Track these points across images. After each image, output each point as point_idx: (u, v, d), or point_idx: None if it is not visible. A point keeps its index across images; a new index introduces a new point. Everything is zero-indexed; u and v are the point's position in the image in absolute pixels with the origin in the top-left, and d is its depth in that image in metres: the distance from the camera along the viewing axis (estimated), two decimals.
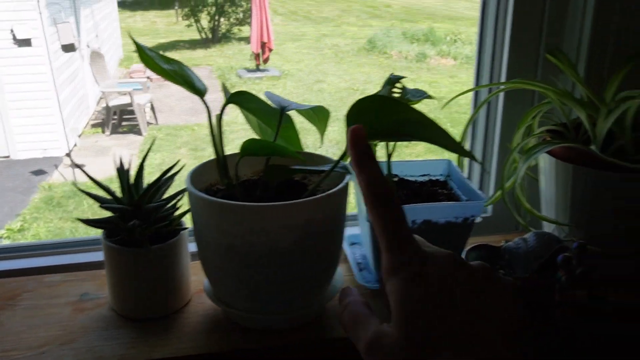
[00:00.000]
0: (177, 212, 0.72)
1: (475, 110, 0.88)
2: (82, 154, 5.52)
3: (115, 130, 6.02)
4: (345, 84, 7.65)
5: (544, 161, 0.81)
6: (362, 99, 0.61)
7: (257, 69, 8.14)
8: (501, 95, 0.92)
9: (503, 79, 0.91)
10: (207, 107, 0.71)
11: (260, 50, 7.80)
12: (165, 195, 0.72)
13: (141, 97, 6.04)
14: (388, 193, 0.39)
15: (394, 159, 0.82)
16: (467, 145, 0.97)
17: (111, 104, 5.90)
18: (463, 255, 0.78)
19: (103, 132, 6.05)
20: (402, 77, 0.67)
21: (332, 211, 0.65)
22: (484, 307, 0.36)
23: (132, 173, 0.71)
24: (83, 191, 0.70)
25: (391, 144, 0.77)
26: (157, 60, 0.71)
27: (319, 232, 0.64)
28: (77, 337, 0.68)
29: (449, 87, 7.32)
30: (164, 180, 0.71)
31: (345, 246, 0.86)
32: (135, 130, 6.01)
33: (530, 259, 0.74)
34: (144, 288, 0.70)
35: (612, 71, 0.82)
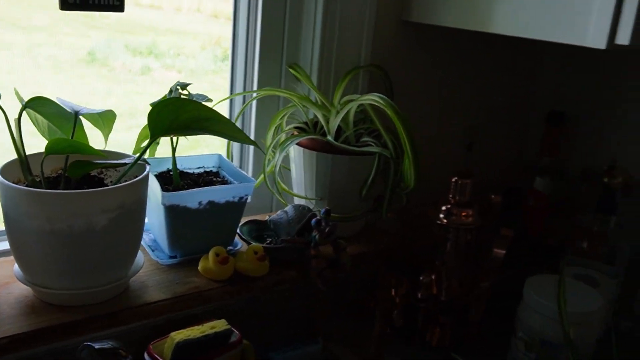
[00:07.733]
0: None
1: (240, 112, 1.06)
2: None
3: None
4: (67, 95, 7.25)
5: (294, 152, 1.03)
6: (162, 100, 0.75)
7: None
8: (253, 102, 1.12)
9: (255, 87, 1.12)
10: (3, 111, 0.77)
11: None
12: None
13: None
14: None
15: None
16: (229, 145, 1.15)
17: None
18: (238, 230, 0.97)
19: None
20: (189, 84, 0.83)
21: (139, 195, 0.78)
22: None
23: None
24: None
25: (174, 140, 0.91)
26: None
27: (130, 213, 0.76)
28: None
29: None
30: None
31: None
32: None
33: (291, 225, 0.96)
34: None
35: (337, 78, 1.08)
